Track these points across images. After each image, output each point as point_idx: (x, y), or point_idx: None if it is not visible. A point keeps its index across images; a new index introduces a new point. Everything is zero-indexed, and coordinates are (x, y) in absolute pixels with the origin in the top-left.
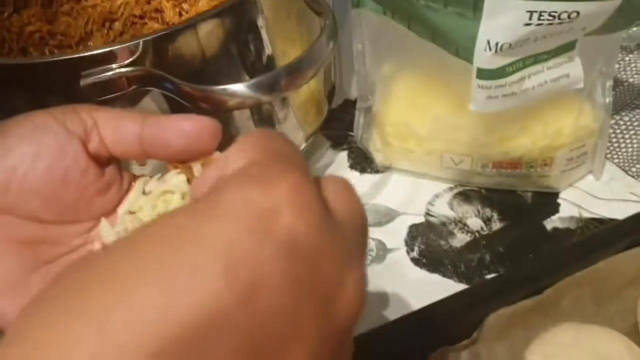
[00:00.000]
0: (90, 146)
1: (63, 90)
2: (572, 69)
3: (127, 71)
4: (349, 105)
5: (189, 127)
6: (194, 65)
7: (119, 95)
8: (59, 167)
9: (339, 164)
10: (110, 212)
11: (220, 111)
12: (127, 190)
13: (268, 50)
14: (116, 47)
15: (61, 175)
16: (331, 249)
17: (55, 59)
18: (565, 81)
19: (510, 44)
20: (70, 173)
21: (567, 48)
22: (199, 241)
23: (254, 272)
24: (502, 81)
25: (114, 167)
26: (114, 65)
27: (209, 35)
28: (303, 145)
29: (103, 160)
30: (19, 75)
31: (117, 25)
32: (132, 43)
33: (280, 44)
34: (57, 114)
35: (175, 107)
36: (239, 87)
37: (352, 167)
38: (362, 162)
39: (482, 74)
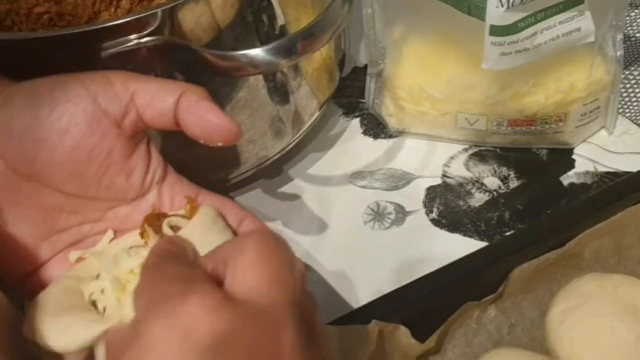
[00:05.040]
0: (127, 120)
1: (82, 64)
2: (582, 22)
3: (147, 41)
4: (359, 73)
5: (213, 120)
6: (210, 35)
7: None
8: (86, 145)
9: (351, 131)
10: (131, 198)
11: (238, 77)
12: (157, 182)
13: (280, 20)
14: (135, 16)
15: (87, 152)
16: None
17: (74, 31)
18: (576, 35)
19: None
20: (95, 151)
21: (577, 1)
22: None
23: None
24: (514, 37)
25: (144, 151)
26: (132, 37)
27: (224, 3)
28: (316, 114)
29: (139, 132)
30: (37, 51)
31: (124, 2)
32: (150, 13)
33: (293, 12)
34: (90, 84)
35: (193, 78)
36: (257, 52)
37: (365, 133)
38: (375, 128)
39: (495, 30)
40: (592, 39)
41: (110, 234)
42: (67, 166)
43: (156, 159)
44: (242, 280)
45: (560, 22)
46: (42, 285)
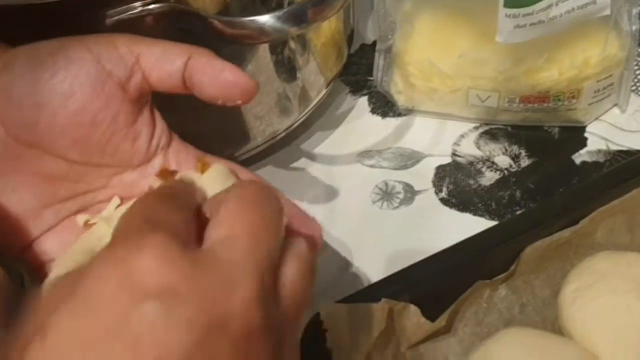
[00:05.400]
0: (132, 82)
1: (85, 32)
2: None
3: (152, 8)
4: (366, 50)
5: (229, 77)
6: (217, 3)
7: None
8: (90, 109)
9: (359, 109)
10: (136, 164)
11: (247, 44)
12: (162, 148)
13: None
14: None
15: (91, 117)
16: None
17: None
18: (592, 8)
19: None
20: (100, 116)
21: None
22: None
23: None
24: (529, 9)
25: (148, 117)
26: (137, 4)
27: None
28: (323, 91)
29: (144, 95)
30: (38, 18)
31: None
32: None
33: None
34: (94, 47)
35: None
36: (266, 19)
37: (373, 111)
38: (383, 106)
39: (510, 2)
40: (607, 12)
41: (116, 200)
42: (70, 132)
43: (160, 125)
44: (217, 230)
45: None
46: (43, 256)
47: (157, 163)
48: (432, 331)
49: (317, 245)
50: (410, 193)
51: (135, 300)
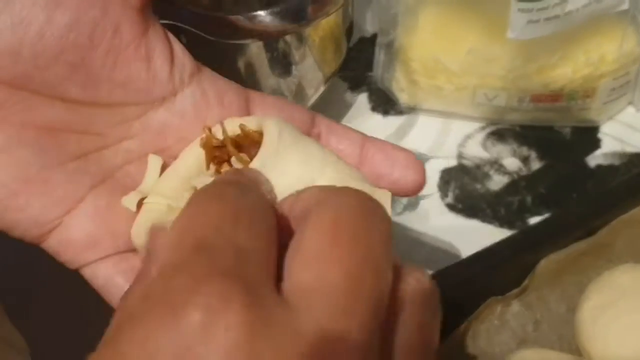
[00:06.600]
0: None
1: None
2: None
3: None
4: (365, 43)
5: None
6: None
7: None
8: (85, 20)
9: (359, 107)
10: (159, 96)
11: (240, 42)
12: (191, 75)
13: None
14: None
15: (88, 31)
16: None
17: None
18: (609, 2)
19: None
20: (99, 29)
21: None
22: None
23: None
24: (544, 3)
25: (159, 31)
26: None
27: None
28: (322, 88)
29: (146, 10)
30: None
31: None
32: None
33: None
34: None
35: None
36: (262, 15)
37: (373, 109)
38: (385, 103)
39: None
40: (625, 6)
41: (155, 160)
42: (64, 55)
43: (180, 48)
44: (301, 273)
45: None
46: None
47: (189, 97)
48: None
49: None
50: (415, 198)
51: None
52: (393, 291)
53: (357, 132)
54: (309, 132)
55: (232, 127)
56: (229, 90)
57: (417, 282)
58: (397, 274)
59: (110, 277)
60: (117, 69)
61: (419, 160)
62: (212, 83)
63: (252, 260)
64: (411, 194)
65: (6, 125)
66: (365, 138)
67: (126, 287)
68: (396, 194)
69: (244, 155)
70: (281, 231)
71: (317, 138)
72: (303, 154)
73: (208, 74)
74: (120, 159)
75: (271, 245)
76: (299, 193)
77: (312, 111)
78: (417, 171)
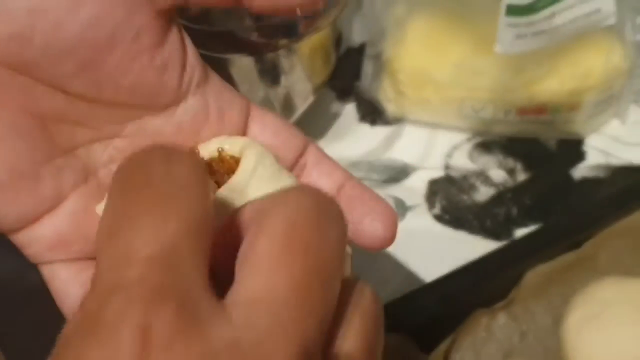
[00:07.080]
0: None
1: None
2: (603, 3)
3: None
4: (353, 53)
5: None
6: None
7: None
8: (108, 20)
9: (347, 116)
10: (163, 103)
11: (230, 55)
12: (198, 85)
13: None
14: None
15: (108, 32)
16: None
17: None
18: (596, 17)
19: None
20: (120, 31)
21: None
22: None
23: None
24: (532, 18)
25: (178, 38)
26: None
27: None
28: (310, 98)
29: (174, 8)
30: None
31: None
32: None
33: None
34: None
35: None
36: (251, 30)
37: (361, 119)
38: (372, 113)
39: (513, 10)
40: (612, 21)
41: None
42: (77, 52)
43: (193, 53)
44: (249, 280)
45: (581, 2)
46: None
47: (190, 107)
48: None
49: (389, 240)
50: (402, 209)
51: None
52: (339, 300)
53: (343, 170)
54: (297, 160)
55: (219, 145)
56: (232, 105)
57: (360, 292)
58: (344, 285)
59: (68, 283)
60: (129, 74)
61: (394, 216)
62: (217, 96)
63: (184, 271)
64: (373, 250)
65: (4, 110)
66: (349, 179)
67: (79, 298)
68: (359, 245)
69: (212, 183)
70: (236, 232)
71: (302, 168)
72: (274, 190)
73: (215, 84)
74: (107, 156)
75: (205, 251)
76: (251, 203)
77: (308, 138)
78: (388, 228)
